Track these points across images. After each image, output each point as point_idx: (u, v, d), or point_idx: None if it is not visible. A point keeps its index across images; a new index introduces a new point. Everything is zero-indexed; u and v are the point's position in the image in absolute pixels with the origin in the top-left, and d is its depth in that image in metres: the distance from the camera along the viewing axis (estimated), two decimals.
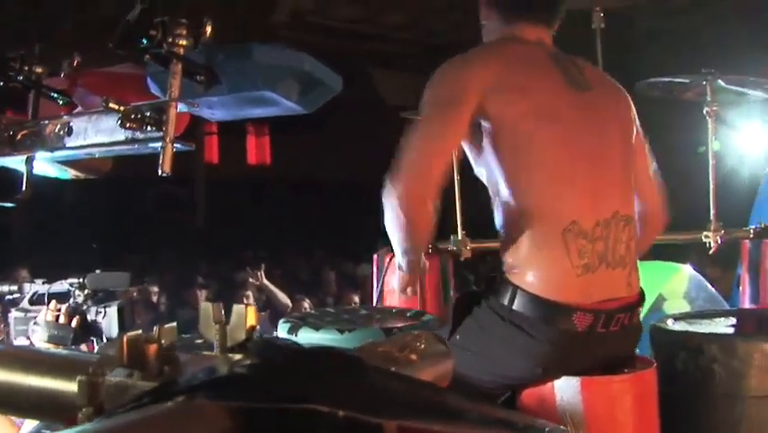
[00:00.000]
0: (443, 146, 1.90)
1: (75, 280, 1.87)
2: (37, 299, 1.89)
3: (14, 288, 1.92)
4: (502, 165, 1.90)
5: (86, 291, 1.85)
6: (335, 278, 7.86)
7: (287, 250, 9.57)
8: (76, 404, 0.71)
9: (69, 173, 1.63)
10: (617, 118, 2.05)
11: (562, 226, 1.86)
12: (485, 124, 1.91)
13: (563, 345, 1.86)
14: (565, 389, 1.90)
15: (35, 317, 1.84)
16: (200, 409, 0.57)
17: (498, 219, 1.97)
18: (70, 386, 0.74)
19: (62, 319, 1.85)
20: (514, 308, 1.86)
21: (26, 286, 1.92)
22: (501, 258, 1.95)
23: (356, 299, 6.19)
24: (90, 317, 1.86)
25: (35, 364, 0.81)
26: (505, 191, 1.90)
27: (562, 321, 1.84)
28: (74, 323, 1.85)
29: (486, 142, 1.91)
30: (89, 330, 1.86)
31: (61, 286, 1.89)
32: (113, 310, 1.82)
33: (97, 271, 1.90)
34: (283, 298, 6.12)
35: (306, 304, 6.09)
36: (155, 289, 6.40)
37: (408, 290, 2.00)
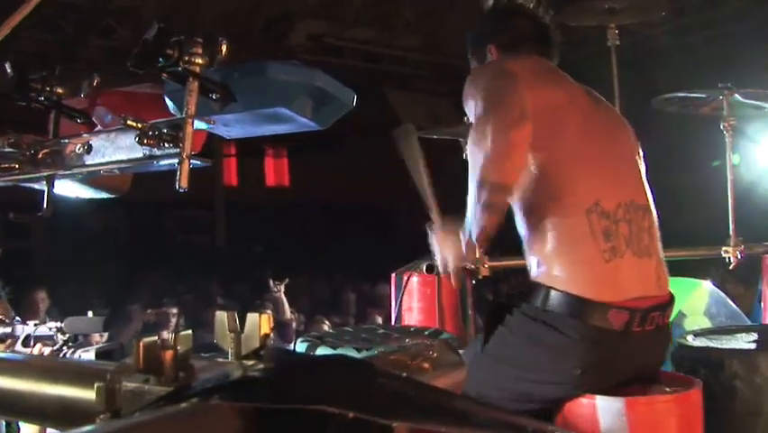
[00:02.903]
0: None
1: (53, 325, 1.90)
2: (27, 341, 1.93)
3: (8, 331, 1.95)
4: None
5: (66, 335, 1.89)
6: (355, 299, 7.85)
7: (306, 271, 9.59)
8: (94, 411, 0.73)
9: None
10: (626, 131, 2.10)
11: (586, 207, 1.84)
12: None
13: (600, 344, 1.81)
14: (608, 409, 1.83)
15: None
16: (214, 410, 0.59)
17: (522, 223, 1.93)
18: (89, 393, 0.76)
19: None
20: (546, 308, 1.82)
21: (18, 328, 1.95)
22: (529, 262, 1.91)
23: (379, 319, 6.17)
24: None
25: (54, 373, 0.83)
26: (527, 184, 1.87)
27: (596, 318, 1.80)
28: None
29: None
30: None
31: (46, 329, 1.93)
32: (90, 355, 1.84)
33: (71, 318, 1.93)
34: (287, 311, 6.19)
35: (326, 326, 6.09)
36: (174, 310, 6.43)
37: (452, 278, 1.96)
